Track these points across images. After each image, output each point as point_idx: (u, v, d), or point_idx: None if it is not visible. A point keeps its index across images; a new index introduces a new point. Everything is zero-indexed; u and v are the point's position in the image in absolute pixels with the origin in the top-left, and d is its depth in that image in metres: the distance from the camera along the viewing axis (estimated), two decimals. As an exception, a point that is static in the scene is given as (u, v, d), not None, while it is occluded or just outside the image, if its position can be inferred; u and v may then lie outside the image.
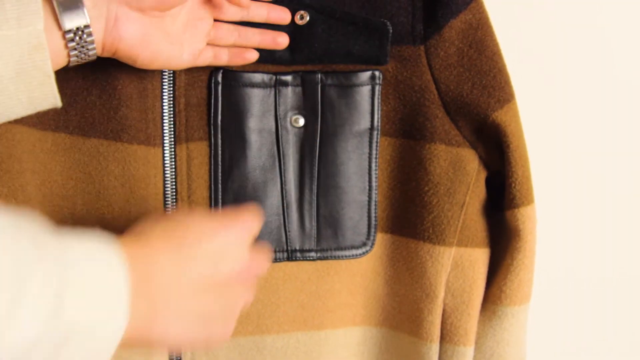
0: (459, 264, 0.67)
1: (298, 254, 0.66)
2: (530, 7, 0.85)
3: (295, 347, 0.68)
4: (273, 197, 0.65)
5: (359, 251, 0.67)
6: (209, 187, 0.64)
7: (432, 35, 0.63)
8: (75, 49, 0.52)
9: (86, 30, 0.52)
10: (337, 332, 0.69)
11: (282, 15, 0.62)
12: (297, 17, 0.62)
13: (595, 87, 0.87)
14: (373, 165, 0.66)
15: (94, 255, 0.44)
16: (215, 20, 0.60)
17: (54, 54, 0.51)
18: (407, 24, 0.63)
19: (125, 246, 0.47)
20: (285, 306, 0.67)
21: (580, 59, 0.87)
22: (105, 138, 0.61)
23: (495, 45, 0.64)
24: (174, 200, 0.63)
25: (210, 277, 0.50)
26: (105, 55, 0.55)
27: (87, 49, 0.53)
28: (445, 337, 0.68)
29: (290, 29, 0.62)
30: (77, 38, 0.52)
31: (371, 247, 0.67)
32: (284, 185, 0.65)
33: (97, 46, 0.54)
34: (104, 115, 0.60)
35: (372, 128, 0.65)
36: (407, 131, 0.66)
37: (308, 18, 0.62)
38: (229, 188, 0.64)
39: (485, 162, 0.67)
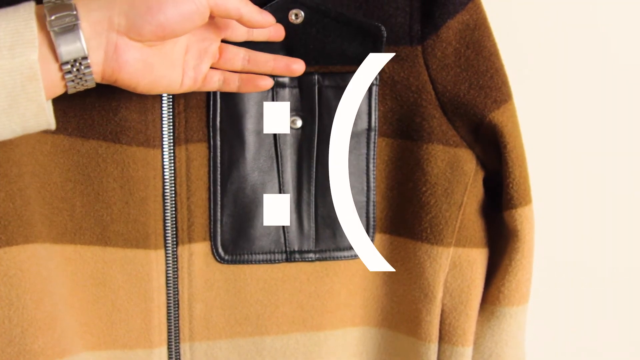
0: (457, 264, 0.67)
1: (297, 255, 0.66)
2: (528, 7, 0.85)
3: (295, 348, 0.68)
4: None
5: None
6: (208, 188, 0.64)
7: (429, 35, 0.63)
8: (72, 80, 0.51)
9: (84, 62, 0.51)
10: (336, 333, 0.69)
11: (290, 65, 0.61)
12: (291, 16, 0.62)
13: (593, 86, 0.87)
14: (371, 165, 0.66)
15: None
16: (222, 41, 0.59)
17: (49, 84, 0.50)
18: (405, 25, 0.63)
19: None
20: (285, 307, 0.67)
21: (578, 59, 0.87)
22: (104, 140, 0.61)
23: (493, 45, 0.64)
24: (173, 202, 0.64)
25: None
26: (105, 82, 0.54)
27: (85, 80, 0.52)
28: (443, 337, 0.68)
29: (285, 28, 0.62)
30: (75, 70, 0.51)
31: None
32: (282, 187, 0.65)
33: (96, 76, 0.52)
34: (103, 117, 0.61)
35: (369, 129, 0.66)
36: (405, 132, 0.66)
37: (302, 17, 0.62)
38: (228, 190, 0.64)
39: (483, 163, 0.67)
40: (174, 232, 0.64)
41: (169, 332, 0.65)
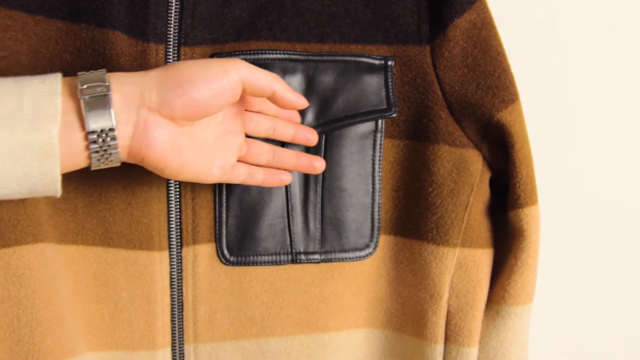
0: (462, 264, 0.67)
1: (302, 257, 0.66)
2: (534, 6, 0.85)
3: (299, 349, 0.68)
4: (277, 200, 0.65)
5: (363, 253, 0.67)
6: (213, 190, 0.63)
7: (437, 35, 0.63)
8: (97, 152, 0.50)
9: (110, 134, 0.50)
10: (340, 335, 0.69)
11: (308, 136, 0.62)
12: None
13: (598, 86, 0.87)
14: (377, 167, 0.66)
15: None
16: (247, 136, 0.60)
17: (71, 154, 0.50)
18: (413, 24, 0.63)
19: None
20: (289, 309, 0.67)
21: (584, 58, 0.87)
22: None
23: (500, 45, 0.64)
24: (178, 203, 0.63)
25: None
26: (131, 161, 0.53)
27: (110, 153, 0.51)
28: (449, 338, 0.68)
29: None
30: (100, 140, 0.50)
31: (374, 249, 0.67)
32: (289, 188, 0.65)
33: (122, 151, 0.52)
34: None
35: (375, 130, 0.65)
36: (411, 132, 0.66)
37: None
38: (233, 191, 0.64)
39: (489, 163, 0.67)
40: (179, 234, 0.63)
41: (172, 333, 0.65)
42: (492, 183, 0.68)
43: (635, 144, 0.89)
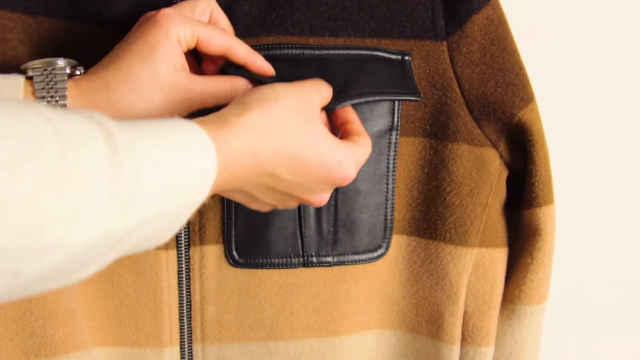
0: (480, 264, 0.66)
1: (314, 260, 0.64)
2: (534, 6, 0.84)
3: (309, 353, 0.66)
4: None
5: (375, 254, 0.65)
6: None
7: (454, 31, 0.61)
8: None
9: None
10: (351, 338, 0.67)
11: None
12: None
13: (600, 86, 0.87)
14: (391, 166, 0.64)
15: (171, 138, 0.40)
16: None
17: None
18: (427, 20, 0.61)
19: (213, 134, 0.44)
20: (300, 312, 0.65)
21: (586, 58, 0.86)
22: None
23: (514, 42, 0.63)
24: None
25: (283, 183, 0.50)
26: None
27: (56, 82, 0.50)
28: (466, 338, 0.67)
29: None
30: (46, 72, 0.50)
31: (386, 249, 0.66)
32: None
33: (72, 85, 0.50)
34: None
35: (392, 128, 0.63)
36: (428, 130, 0.64)
37: None
38: None
39: (506, 162, 0.66)
40: (186, 233, 0.62)
41: (181, 332, 0.65)
42: (507, 182, 0.67)
43: (636, 143, 0.90)
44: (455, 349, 0.67)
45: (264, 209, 0.55)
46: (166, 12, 0.51)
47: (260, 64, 0.56)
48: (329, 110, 0.57)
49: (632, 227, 0.92)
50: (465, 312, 0.67)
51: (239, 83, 0.54)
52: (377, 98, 0.60)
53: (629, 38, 0.86)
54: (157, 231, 0.40)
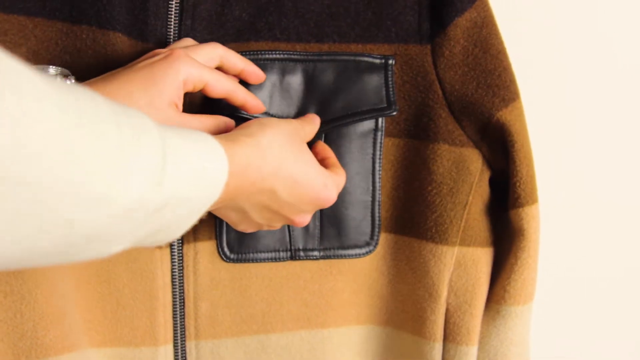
0: (461, 263, 0.67)
1: (301, 253, 0.66)
2: (533, 5, 0.84)
3: (300, 345, 0.68)
4: None
5: (362, 251, 0.67)
6: None
7: (437, 34, 0.63)
8: None
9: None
10: (340, 330, 0.69)
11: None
12: None
13: (599, 86, 0.86)
14: (377, 165, 0.66)
15: (194, 137, 0.45)
16: None
17: None
18: (414, 23, 0.63)
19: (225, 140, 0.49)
20: (289, 305, 0.67)
21: (585, 57, 0.86)
22: None
23: (500, 43, 0.64)
24: None
25: (277, 201, 0.55)
26: None
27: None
28: (448, 336, 0.67)
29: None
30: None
31: (375, 247, 0.67)
32: None
33: None
34: None
35: (376, 129, 0.65)
36: (411, 131, 0.66)
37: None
38: None
39: (489, 162, 0.66)
40: None
41: (174, 330, 0.65)
42: (493, 182, 0.68)
43: (634, 143, 0.88)
44: (438, 347, 0.67)
45: (249, 229, 0.59)
46: (179, 52, 0.54)
47: (254, 104, 0.60)
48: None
49: (624, 226, 0.91)
50: (447, 310, 0.67)
51: (223, 122, 0.59)
52: (356, 119, 0.64)
53: (628, 37, 0.85)
54: (176, 220, 0.44)
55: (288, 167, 0.54)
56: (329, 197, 0.57)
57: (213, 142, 0.47)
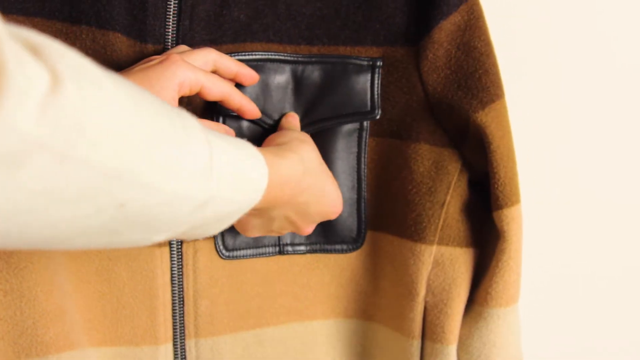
0: (439, 262, 0.67)
1: (289, 248, 0.69)
2: (526, 4, 0.83)
3: (293, 337, 0.70)
4: None
5: (348, 247, 0.69)
6: None
7: (422, 37, 0.64)
8: None
9: None
10: (327, 323, 0.71)
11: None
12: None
13: (592, 85, 0.85)
14: (362, 164, 0.67)
15: (237, 144, 0.48)
16: None
17: None
18: (402, 25, 0.64)
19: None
20: (281, 298, 0.69)
21: (575, 58, 0.84)
22: None
23: (485, 45, 0.64)
24: None
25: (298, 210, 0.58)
26: None
27: None
28: (425, 334, 0.68)
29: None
30: None
31: (361, 243, 0.69)
32: None
33: None
34: None
35: (361, 129, 0.67)
36: (394, 131, 0.67)
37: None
38: None
39: (471, 163, 0.66)
40: None
41: (174, 328, 0.66)
42: (480, 184, 0.67)
43: (630, 140, 0.86)
44: (416, 344, 0.68)
45: (258, 235, 0.63)
46: (175, 57, 0.56)
47: (250, 108, 0.62)
48: None
49: (614, 225, 0.88)
50: (425, 308, 0.67)
51: (224, 129, 0.62)
52: (340, 121, 0.66)
53: (623, 35, 0.83)
54: (215, 219, 0.45)
55: (320, 182, 0.58)
56: (340, 210, 0.61)
57: (255, 151, 0.50)
